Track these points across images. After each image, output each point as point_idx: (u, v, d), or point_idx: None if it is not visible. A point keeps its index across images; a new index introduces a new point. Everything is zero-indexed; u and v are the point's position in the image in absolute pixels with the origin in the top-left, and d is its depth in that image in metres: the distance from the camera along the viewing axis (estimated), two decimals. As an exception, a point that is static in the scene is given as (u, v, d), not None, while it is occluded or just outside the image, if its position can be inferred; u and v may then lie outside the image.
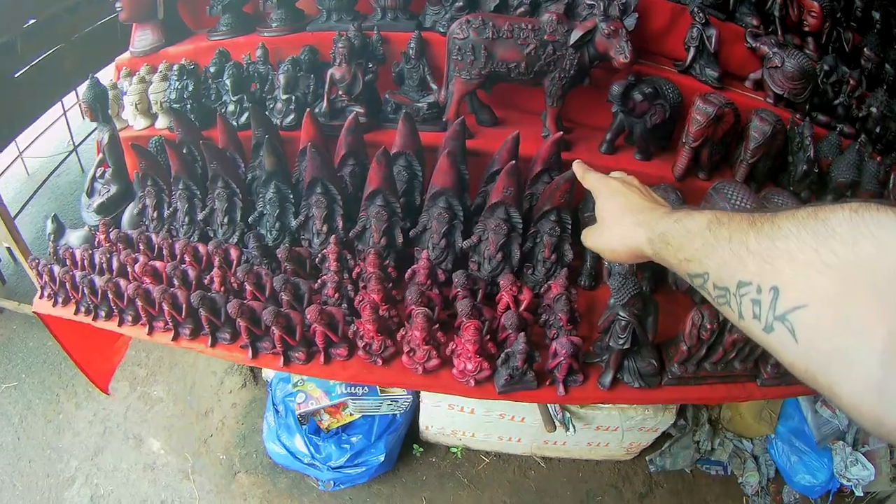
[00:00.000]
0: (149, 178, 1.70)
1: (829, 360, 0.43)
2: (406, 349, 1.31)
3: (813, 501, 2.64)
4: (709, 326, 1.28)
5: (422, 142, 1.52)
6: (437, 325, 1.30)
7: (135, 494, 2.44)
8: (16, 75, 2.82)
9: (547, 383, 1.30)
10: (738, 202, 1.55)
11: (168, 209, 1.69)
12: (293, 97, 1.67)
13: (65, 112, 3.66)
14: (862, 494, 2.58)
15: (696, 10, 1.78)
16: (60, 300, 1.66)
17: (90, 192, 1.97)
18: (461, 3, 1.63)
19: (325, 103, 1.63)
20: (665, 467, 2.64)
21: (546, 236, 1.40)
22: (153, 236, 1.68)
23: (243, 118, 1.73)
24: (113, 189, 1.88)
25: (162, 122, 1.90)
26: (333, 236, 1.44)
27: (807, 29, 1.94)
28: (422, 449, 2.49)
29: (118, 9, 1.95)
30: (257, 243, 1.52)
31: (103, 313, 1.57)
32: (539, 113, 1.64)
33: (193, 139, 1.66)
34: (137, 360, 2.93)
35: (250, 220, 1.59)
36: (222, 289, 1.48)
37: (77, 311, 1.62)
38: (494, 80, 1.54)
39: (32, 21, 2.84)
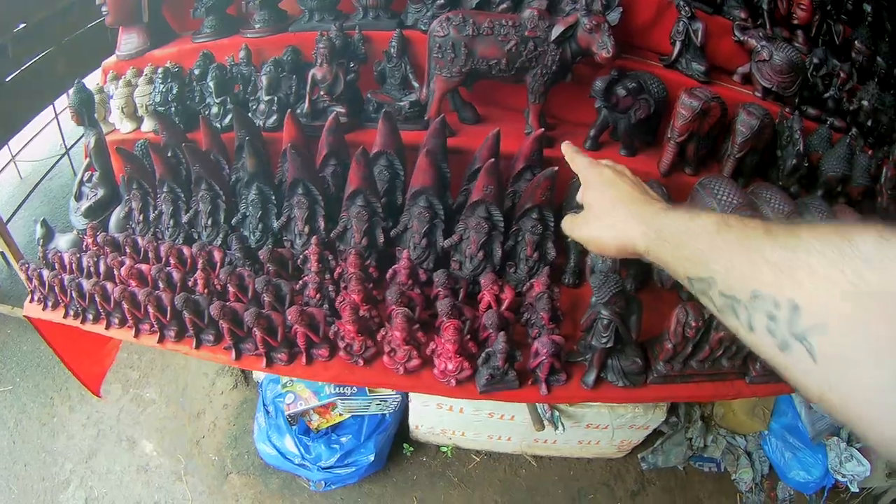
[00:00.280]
0: (134, 182, 1.70)
1: (851, 390, 0.41)
2: (387, 349, 1.30)
3: (808, 497, 2.63)
4: (693, 324, 1.27)
5: (404, 140, 1.51)
6: (417, 325, 1.29)
7: (129, 496, 2.45)
8: (7, 79, 2.83)
9: (529, 383, 1.29)
10: (724, 197, 1.53)
11: (154, 212, 1.70)
12: (276, 98, 1.67)
13: (56, 115, 3.67)
14: (857, 490, 2.57)
15: (681, 3, 1.76)
16: (50, 304, 1.67)
17: (78, 196, 1.97)
18: (443, 1, 1.62)
19: (306, 104, 1.63)
20: (657, 465, 2.63)
21: (528, 234, 1.39)
22: (139, 239, 1.68)
23: (227, 120, 1.72)
24: (100, 192, 1.88)
25: (148, 126, 1.90)
26: (315, 237, 1.44)
27: (796, 22, 1.91)
28: (412, 448, 2.49)
29: (104, 13, 1.95)
30: (240, 245, 1.52)
31: (91, 316, 1.57)
32: (522, 110, 1.63)
33: (178, 142, 1.66)
34: (129, 363, 2.94)
35: (233, 221, 1.59)
36: (206, 291, 1.48)
37: (66, 315, 1.63)
38: (475, 77, 1.53)
39: (23, 25, 2.85)
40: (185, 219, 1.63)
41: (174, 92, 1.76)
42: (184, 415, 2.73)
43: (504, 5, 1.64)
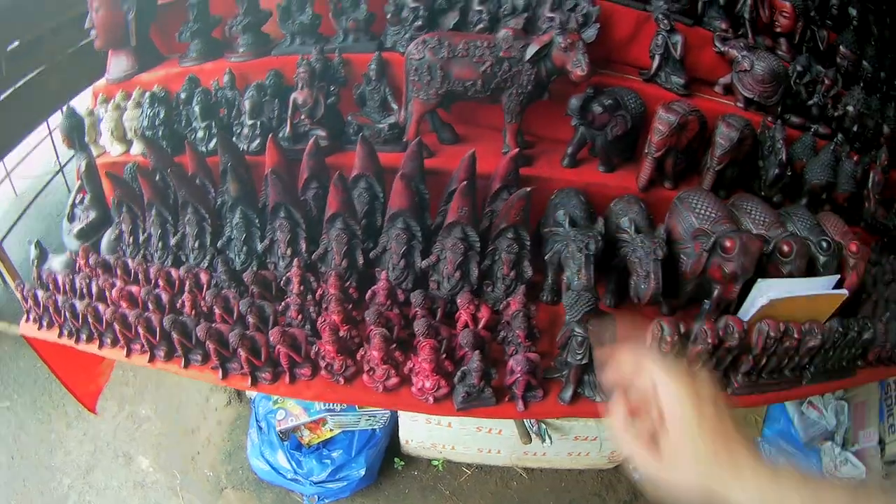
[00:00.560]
0: (124, 205, 1.73)
1: None
2: (366, 368, 1.33)
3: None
4: (669, 339, 1.28)
5: (384, 163, 1.54)
6: (394, 345, 1.31)
7: (126, 512, 2.47)
8: (1, 97, 2.87)
9: (506, 399, 1.31)
10: (703, 211, 1.53)
11: (143, 234, 1.73)
12: (259, 122, 1.70)
13: (50, 132, 3.71)
14: (852, 495, 2.55)
15: (660, 17, 1.76)
16: (45, 323, 1.70)
17: (71, 218, 2.01)
18: (420, 23, 1.65)
19: (288, 128, 1.66)
20: (651, 473, 2.61)
21: (504, 253, 1.41)
22: (129, 261, 1.71)
23: (212, 144, 1.76)
24: (92, 215, 1.92)
25: (137, 148, 1.93)
26: (297, 259, 1.47)
27: (779, 30, 1.90)
28: (403, 462, 2.49)
29: (93, 36, 1.99)
30: (225, 267, 1.55)
31: (84, 336, 1.61)
32: (501, 129, 1.66)
33: (165, 166, 1.69)
34: (125, 380, 2.96)
35: (219, 244, 1.62)
36: (193, 312, 1.51)
37: (61, 334, 1.66)
38: (452, 98, 1.56)
39: (16, 43, 2.89)
40: (173, 241, 1.67)
41: (161, 116, 1.80)
42: (178, 431, 2.74)
43: (481, 25, 1.67)
